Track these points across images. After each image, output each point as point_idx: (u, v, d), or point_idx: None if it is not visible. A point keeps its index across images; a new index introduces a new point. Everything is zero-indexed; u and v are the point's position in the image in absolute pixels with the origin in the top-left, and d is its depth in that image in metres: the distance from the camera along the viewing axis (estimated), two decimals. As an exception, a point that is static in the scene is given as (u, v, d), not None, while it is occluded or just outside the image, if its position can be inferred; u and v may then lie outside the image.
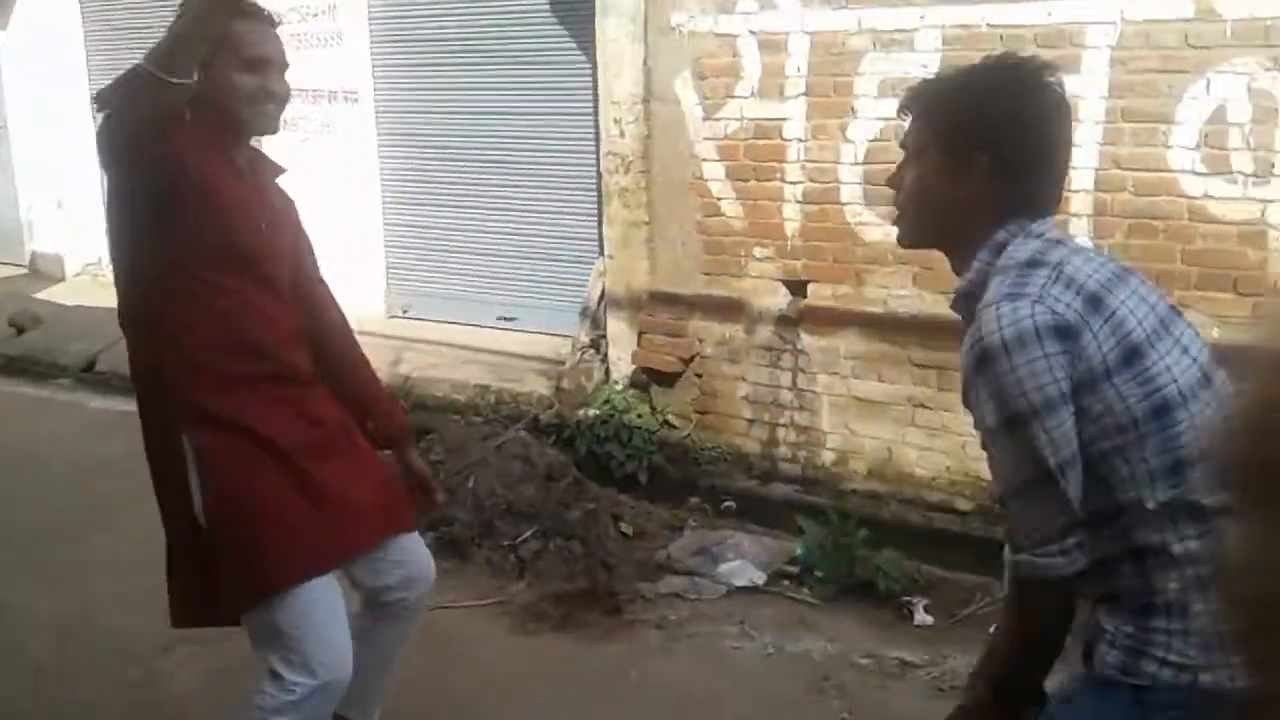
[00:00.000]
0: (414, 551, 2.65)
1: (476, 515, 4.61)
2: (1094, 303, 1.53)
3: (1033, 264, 1.58)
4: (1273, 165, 4.05)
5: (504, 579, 4.38)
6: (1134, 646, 1.53)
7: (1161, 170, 4.23)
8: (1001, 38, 4.44)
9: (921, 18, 4.61)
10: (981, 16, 4.49)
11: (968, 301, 1.67)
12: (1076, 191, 4.37)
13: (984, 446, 1.61)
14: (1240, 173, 4.09)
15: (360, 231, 7.33)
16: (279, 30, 2.41)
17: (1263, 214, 4.08)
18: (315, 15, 7.18)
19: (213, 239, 2.29)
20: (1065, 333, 1.50)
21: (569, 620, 4.08)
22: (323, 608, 2.39)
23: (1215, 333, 4.01)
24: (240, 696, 2.54)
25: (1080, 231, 4.39)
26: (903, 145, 1.76)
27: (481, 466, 4.81)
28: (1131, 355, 1.51)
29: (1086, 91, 4.31)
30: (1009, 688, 1.64)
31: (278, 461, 2.35)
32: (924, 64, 4.61)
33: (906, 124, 1.76)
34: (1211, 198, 4.13)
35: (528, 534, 4.53)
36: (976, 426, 1.60)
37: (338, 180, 7.09)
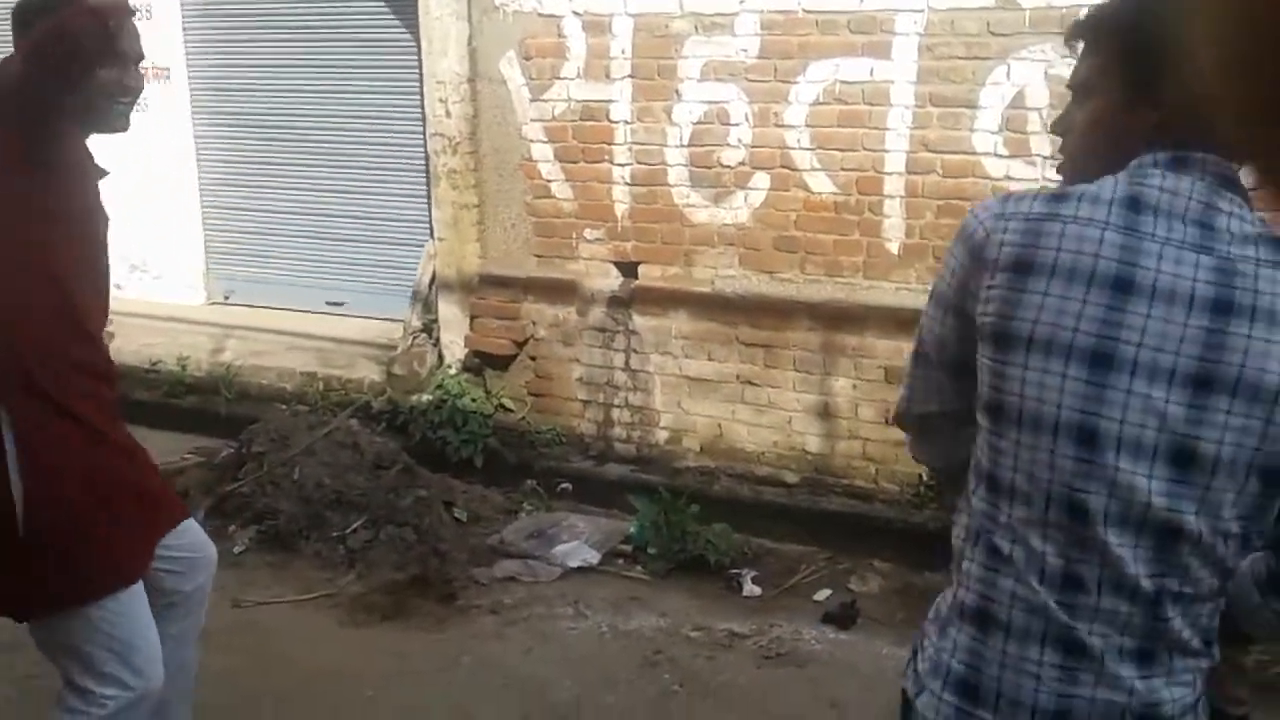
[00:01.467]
0: (196, 534, 2.58)
1: (303, 507, 4.49)
2: (1023, 267, 1.35)
3: (1063, 198, 1.38)
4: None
5: (333, 571, 4.28)
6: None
7: (967, 153, 4.43)
8: (817, 23, 4.57)
9: (741, 2, 4.69)
10: (798, 2, 4.60)
11: None
12: (889, 174, 4.55)
13: None
14: (1039, 155, 4.32)
15: (176, 215, 6.98)
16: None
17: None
18: (121, -14, 6.78)
19: (66, 219, 2.27)
20: (976, 256, 1.40)
21: (401, 610, 4.02)
22: (141, 609, 2.30)
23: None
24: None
25: (893, 212, 4.57)
26: (1070, 86, 1.55)
27: (308, 456, 4.69)
28: (998, 338, 1.37)
29: (897, 77, 4.48)
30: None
31: (113, 456, 2.27)
32: (744, 48, 4.71)
33: (1075, 58, 1.54)
34: (1012, 179, 4.35)
35: (357, 524, 4.43)
36: None
37: (150, 162, 6.73)
